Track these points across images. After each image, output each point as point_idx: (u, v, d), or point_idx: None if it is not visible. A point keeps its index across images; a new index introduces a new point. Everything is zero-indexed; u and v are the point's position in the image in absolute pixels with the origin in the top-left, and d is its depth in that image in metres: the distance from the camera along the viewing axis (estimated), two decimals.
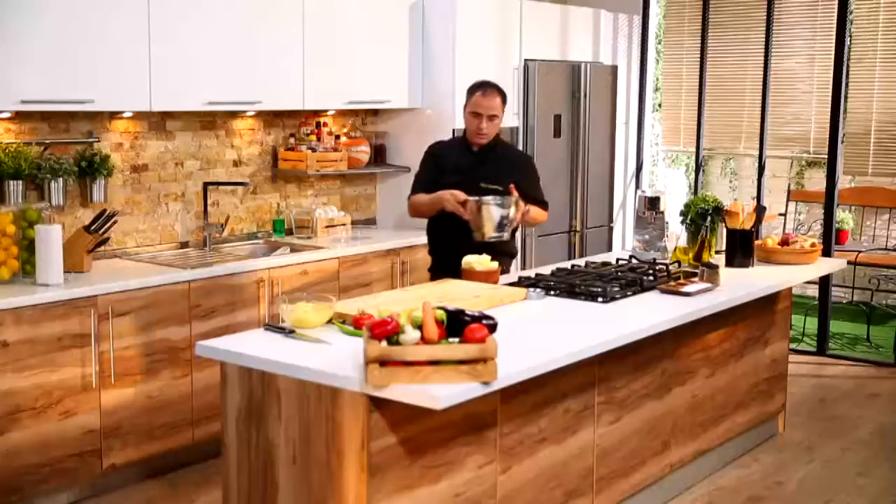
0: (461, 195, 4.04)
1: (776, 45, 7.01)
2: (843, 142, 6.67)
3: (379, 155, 5.82)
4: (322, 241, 5.16)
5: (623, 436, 3.71)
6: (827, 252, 5.97)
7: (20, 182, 4.14)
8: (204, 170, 5.03)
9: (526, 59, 6.08)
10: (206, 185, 4.96)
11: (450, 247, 4.19)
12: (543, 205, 4.36)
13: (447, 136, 5.59)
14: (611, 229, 6.85)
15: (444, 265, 4.19)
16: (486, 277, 3.85)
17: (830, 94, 6.27)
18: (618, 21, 6.95)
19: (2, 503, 3.75)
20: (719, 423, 4.35)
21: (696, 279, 4.06)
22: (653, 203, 4.66)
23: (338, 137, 5.53)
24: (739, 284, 4.13)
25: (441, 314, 2.73)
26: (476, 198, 4.01)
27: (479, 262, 3.87)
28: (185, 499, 4.11)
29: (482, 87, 4.18)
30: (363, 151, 5.62)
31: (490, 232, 4.00)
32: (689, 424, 4.12)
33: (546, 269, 4.28)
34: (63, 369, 3.88)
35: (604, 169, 6.71)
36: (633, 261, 4.45)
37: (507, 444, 3.13)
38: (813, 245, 4.68)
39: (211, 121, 5.04)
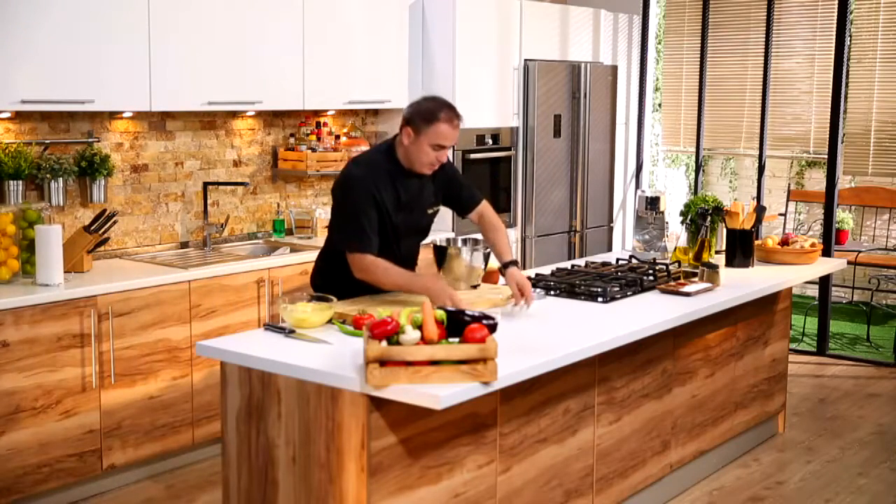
0: (453, 293, 3.28)
1: (776, 45, 7.02)
2: (842, 142, 6.67)
3: None
4: (322, 241, 5.15)
5: (623, 436, 3.71)
6: (827, 252, 5.98)
7: (20, 182, 4.14)
8: (204, 170, 5.03)
9: (526, 59, 6.09)
10: (206, 185, 4.96)
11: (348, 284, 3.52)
12: (478, 202, 3.78)
13: None
14: (611, 229, 6.86)
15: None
16: (487, 278, 3.85)
17: (830, 94, 6.27)
18: (618, 21, 6.96)
19: (2, 503, 3.75)
20: (719, 423, 4.35)
21: (696, 279, 4.06)
22: (653, 203, 4.66)
23: (338, 137, 5.53)
24: (739, 284, 4.13)
25: (441, 314, 2.73)
26: (448, 244, 3.70)
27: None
28: (185, 499, 4.11)
29: (445, 111, 3.37)
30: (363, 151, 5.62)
31: (469, 283, 3.68)
32: (689, 424, 4.12)
33: (546, 269, 4.28)
34: (63, 369, 3.88)
35: (604, 169, 6.71)
36: (633, 261, 4.45)
37: (507, 444, 3.13)
38: (813, 245, 4.68)
39: (211, 121, 5.04)
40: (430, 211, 3.65)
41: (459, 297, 3.26)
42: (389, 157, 3.49)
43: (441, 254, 3.71)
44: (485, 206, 3.79)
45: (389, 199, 3.44)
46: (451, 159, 3.80)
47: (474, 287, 3.72)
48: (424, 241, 3.80)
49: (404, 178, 3.49)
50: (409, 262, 3.60)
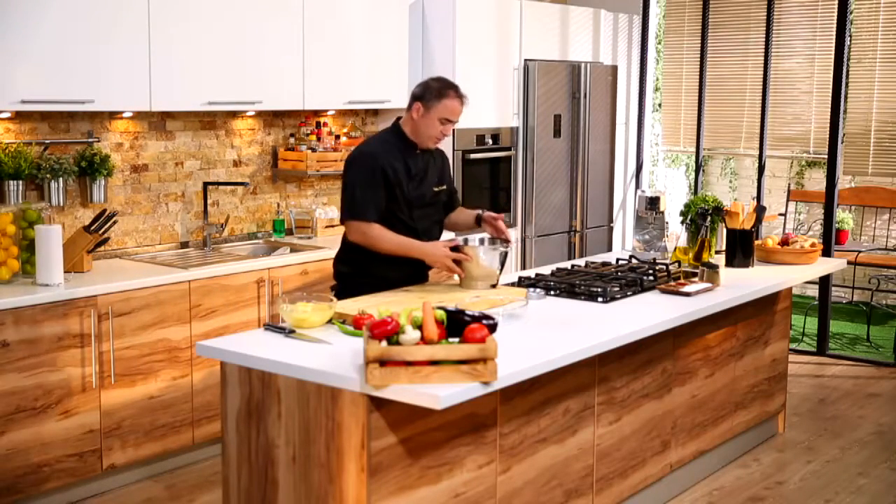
0: (450, 253, 3.65)
1: (776, 45, 7.02)
2: (842, 142, 6.67)
3: None
4: (322, 241, 5.16)
5: (623, 436, 3.71)
6: (827, 252, 5.98)
7: (20, 182, 4.15)
8: (204, 170, 5.03)
9: (526, 59, 6.08)
10: (206, 185, 4.96)
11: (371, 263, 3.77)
12: (458, 205, 4.10)
13: (447, 137, 5.61)
14: (611, 229, 6.86)
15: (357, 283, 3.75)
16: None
17: (830, 94, 6.27)
18: (618, 21, 6.96)
19: (2, 503, 3.75)
20: (719, 423, 4.35)
21: (696, 279, 4.06)
22: (653, 203, 4.66)
23: (338, 137, 5.53)
24: (739, 284, 4.13)
25: (441, 314, 2.73)
26: (465, 243, 3.78)
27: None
28: (185, 499, 4.11)
29: (455, 90, 3.71)
30: None
31: (486, 283, 3.73)
32: (689, 424, 4.12)
33: (546, 269, 4.28)
34: (63, 369, 3.88)
35: (604, 169, 6.71)
36: (633, 261, 4.45)
37: (507, 444, 3.13)
38: (813, 245, 4.68)
39: (211, 121, 5.04)
40: (435, 189, 3.88)
41: (453, 258, 3.65)
42: (397, 134, 3.79)
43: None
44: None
45: (401, 170, 3.73)
46: (451, 167, 4.04)
47: (493, 286, 3.73)
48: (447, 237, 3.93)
49: (412, 153, 3.78)
50: (417, 232, 3.82)
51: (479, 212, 3.94)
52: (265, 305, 4.60)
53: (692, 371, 4.10)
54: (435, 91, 3.69)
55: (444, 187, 3.93)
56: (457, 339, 2.69)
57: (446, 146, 5.59)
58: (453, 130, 5.59)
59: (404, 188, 3.72)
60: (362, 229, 3.68)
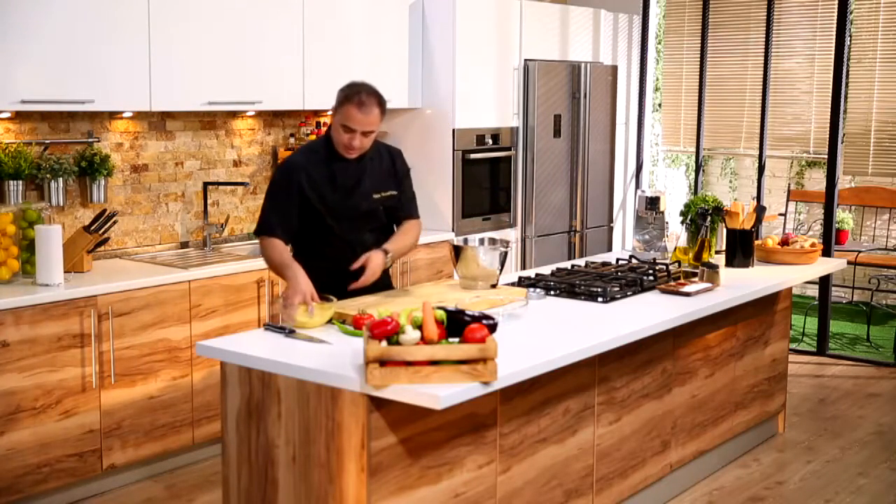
0: (310, 292, 3.25)
1: (776, 45, 7.02)
2: (842, 142, 6.67)
3: None
4: None
5: (623, 436, 3.71)
6: (827, 252, 5.98)
7: (20, 182, 4.15)
8: (204, 170, 5.03)
9: (526, 59, 6.08)
10: (206, 185, 4.96)
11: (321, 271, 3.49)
12: (411, 218, 3.74)
13: (447, 137, 5.62)
14: (611, 229, 6.86)
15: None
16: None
17: (830, 94, 6.27)
18: (618, 21, 6.95)
19: (2, 503, 3.75)
20: (719, 423, 4.35)
21: (696, 279, 4.06)
22: (653, 203, 4.66)
23: None
24: (739, 284, 4.13)
25: (441, 314, 2.73)
26: (465, 243, 3.79)
27: None
28: (185, 499, 4.11)
29: (357, 96, 3.36)
30: None
31: (486, 283, 3.73)
32: (689, 424, 4.12)
33: (546, 269, 4.28)
34: (63, 369, 3.88)
35: (604, 169, 6.71)
36: (633, 261, 4.45)
37: (507, 444, 3.13)
38: (813, 245, 4.68)
39: (211, 121, 5.04)
40: (376, 196, 3.58)
41: (304, 297, 3.21)
42: (328, 142, 3.54)
43: (457, 253, 3.75)
44: (414, 222, 3.74)
45: (323, 181, 3.49)
46: (407, 165, 3.74)
47: (493, 286, 3.73)
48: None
49: (342, 162, 3.52)
50: (352, 245, 3.54)
51: (384, 247, 3.55)
52: (265, 305, 4.60)
53: (692, 371, 4.10)
54: (341, 96, 3.41)
55: (391, 193, 3.63)
56: (457, 339, 2.69)
57: (446, 145, 5.61)
58: (453, 130, 5.64)
59: (327, 200, 3.49)
60: (262, 243, 3.50)
